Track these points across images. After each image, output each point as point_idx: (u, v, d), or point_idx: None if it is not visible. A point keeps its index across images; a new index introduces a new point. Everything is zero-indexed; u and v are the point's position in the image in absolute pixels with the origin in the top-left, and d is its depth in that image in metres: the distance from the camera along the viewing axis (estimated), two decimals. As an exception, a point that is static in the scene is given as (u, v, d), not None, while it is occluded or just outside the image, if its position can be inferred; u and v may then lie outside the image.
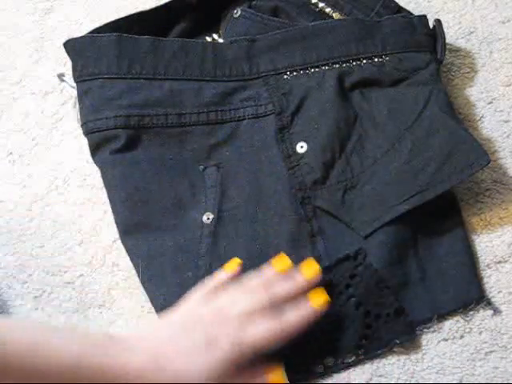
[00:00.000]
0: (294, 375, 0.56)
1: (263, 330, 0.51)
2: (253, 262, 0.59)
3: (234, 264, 0.57)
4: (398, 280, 0.58)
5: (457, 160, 0.59)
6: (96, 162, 0.64)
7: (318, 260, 0.59)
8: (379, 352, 0.57)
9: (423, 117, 0.62)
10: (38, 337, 0.48)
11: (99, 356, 0.48)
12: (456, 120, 0.62)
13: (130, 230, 0.61)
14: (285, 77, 0.64)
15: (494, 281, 0.60)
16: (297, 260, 0.57)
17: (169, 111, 0.63)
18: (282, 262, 0.56)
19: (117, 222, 0.62)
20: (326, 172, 0.62)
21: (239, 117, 0.64)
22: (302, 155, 0.63)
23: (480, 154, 0.59)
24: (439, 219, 0.60)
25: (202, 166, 0.63)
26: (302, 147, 0.63)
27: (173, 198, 0.62)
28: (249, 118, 0.64)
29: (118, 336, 0.51)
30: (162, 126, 0.63)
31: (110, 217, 0.64)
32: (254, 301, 0.53)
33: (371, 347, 0.57)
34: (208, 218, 0.61)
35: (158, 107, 0.63)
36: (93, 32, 0.66)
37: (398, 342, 0.56)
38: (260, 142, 0.63)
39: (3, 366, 0.45)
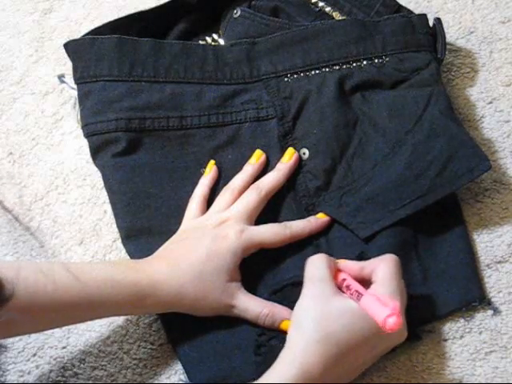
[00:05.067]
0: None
1: (265, 227, 0.59)
2: (256, 266, 0.59)
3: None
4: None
5: (457, 165, 0.59)
6: (97, 165, 0.64)
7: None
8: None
9: (423, 120, 0.62)
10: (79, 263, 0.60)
11: (130, 272, 0.54)
12: (457, 123, 0.62)
13: (132, 234, 0.61)
14: (285, 79, 0.64)
15: (494, 281, 0.60)
16: (301, 262, 0.57)
17: (170, 114, 0.63)
18: (256, 155, 0.62)
19: (118, 227, 0.62)
20: (328, 178, 0.62)
21: (240, 119, 0.64)
22: (305, 162, 0.63)
23: (481, 159, 0.59)
24: (440, 219, 0.60)
25: (203, 169, 0.63)
26: (304, 154, 0.63)
27: (175, 202, 0.62)
28: (250, 121, 0.64)
29: (142, 260, 0.58)
30: (163, 129, 0.63)
31: (110, 217, 0.64)
32: (247, 200, 0.60)
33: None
34: (210, 222, 0.61)
35: (159, 110, 0.63)
36: (92, 32, 0.66)
37: (400, 344, 0.56)
38: (263, 147, 0.63)
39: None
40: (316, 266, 0.54)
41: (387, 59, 0.65)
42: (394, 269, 0.53)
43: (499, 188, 0.63)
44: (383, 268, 0.53)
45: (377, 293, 0.51)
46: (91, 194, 0.66)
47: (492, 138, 0.66)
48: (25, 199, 0.66)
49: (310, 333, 0.50)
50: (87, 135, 0.63)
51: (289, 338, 0.52)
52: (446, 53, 0.66)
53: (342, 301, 0.52)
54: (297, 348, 0.51)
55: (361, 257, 0.58)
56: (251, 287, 0.58)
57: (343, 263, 0.56)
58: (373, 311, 0.50)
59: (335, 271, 0.55)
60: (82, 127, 0.63)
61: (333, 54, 0.64)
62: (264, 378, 0.50)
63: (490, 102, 0.67)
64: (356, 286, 0.53)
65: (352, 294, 0.52)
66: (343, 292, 0.53)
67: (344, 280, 0.54)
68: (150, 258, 0.58)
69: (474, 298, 0.58)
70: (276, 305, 0.57)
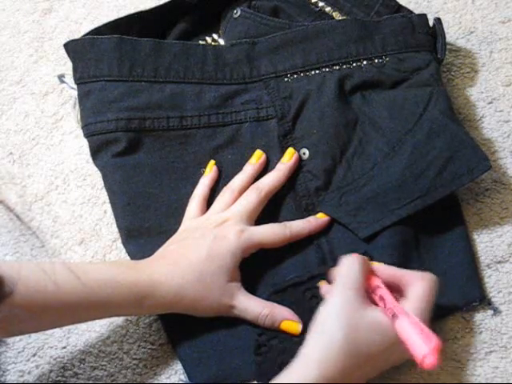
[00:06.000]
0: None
1: (265, 227, 0.59)
2: (256, 266, 0.59)
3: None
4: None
5: (457, 165, 0.59)
6: (97, 165, 0.64)
7: (323, 262, 0.59)
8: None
9: (423, 120, 0.62)
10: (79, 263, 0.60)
11: (130, 273, 0.55)
12: (457, 123, 0.62)
13: (132, 234, 0.61)
14: (285, 79, 0.64)
15: (494, 281, 0.60)
16: (301, 262, 0.57)
17: (170, 114, 0.63)
18: (256, 155, 0.63)
19: (119, 227, 0.62)
20: (327, 178, 0.62)
21: (240, 119, 0.64)
22: (305, 162, 0.63)
23: (481, 159, 0.59)
24: (440, 219, 0.60)
25: (203, 170, 0.63)
26: (304, 154, 0.63)
27: (175, 202, 0.62)
28: (250, 121, 0.64)
29: (142, 260, 0.58)
30: (163, 129, 0.63)
31: (110, 217, 0.64)
32: (246, 200, 0.60)
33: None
34: (211, 222, 0.61)
35: (159, 110, 0.63)
36: (92, 32, 0.66)
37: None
38: (263, 147, 0.63)
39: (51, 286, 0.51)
40: (350, 269, 0.52)
41: (387, 59, 0.65)
42: (432, 291, 0.51)
43: (499, 188, 0.63)
44: (422, 287, 0.51)
45: (410, 311, 0.50)
46: (91, 194, 0.66)
47: (492, 138, 0.66)
48: (25, 199, 0.66)
49: (336, 342, 0.49)
50: (87, 135, 0.63)
51: (309, 341, 0.51)
52: (446, 53, 0.66)
53: (373, 313, 0.50)
54: (319, 354, 0.49)
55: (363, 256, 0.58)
56: (251, 287, 0.58)
57: (378, 266, 0.55)
58: (411, 341, 0.47)
59: (368, 274, 0.53)
60: (82, 127, 0.63)
61: (333, 54, 0.64)
62: (282, 379, 0.49)
63: (490, 102, 0.67)
64: (391, 301, 0.51)
65: (386, 309, 0.50)
66: (373, 298, 0.52)
67: (377, 288, 0.52)
68: (150, 258, 0.58)
69: (474, 297, 0.58)
70: (276, 305, 0.57)
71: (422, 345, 0.46)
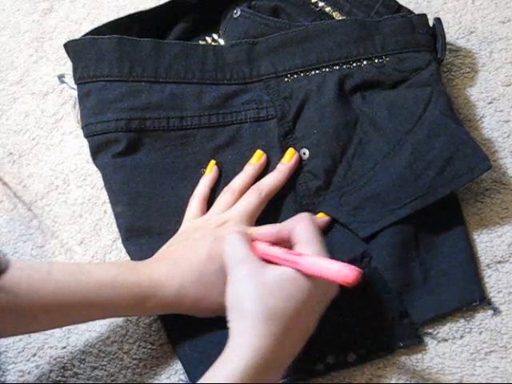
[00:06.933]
0: (295, 373, 0.56)
1: (265, 227, 0.57)
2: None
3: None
4: (401, 282, 0.58)
5: (457, 164, 0.59)
6: (97, 165, 0.64)
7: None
8: (381, 353, 0.57)
9: (423, 120, 0.62)
10: (80, 263, 0.60)
11: (131, 273, 0.54)
12: (457, 123, 0.62)
13: (132, 234, 0.61)
14: (285, 79, 0.64)
15: (494, 281, 0.60)
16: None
17: (170, 114, 0.63)
18: (257, 156, 0.63)
19: (119, 227, 0.62)
20: (328, 178, 0.62)
21: (241, 120, 0.64)
22: (305, 162, 0.63)
23: (481, 158, 0.59)
24: (440, 219, 0.60)
25: (204, 170, 0.63)
26: (304, 154, 0.63)
27: (175, 202, 0.62)
28: (250, 121, 0.64)
29: (143, 261, 0.58)
30: (164, 129, 0.63)
31: (110, 217, 0.64)
32: (247, 201, 0.60)
33: (374, 348, 0.57)
34: (211, 223, 0.61)
35: (159, 110, 0.63)
36: (92, 32, 0.66)
37: (401, 344, 0.56)
38: (263, 147, 0.63)
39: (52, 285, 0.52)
40: (234, 246, 0.53)
41: (387, 59, 0.65)
42: (314, 227, 0.52)
43: (499, 188, 0.63)
44: (304, 227, 0.52)
45: (305, 252, 0.50)
46: (91, 194, 0.66)
47: (492, 138, 0.66)
48: (25, 199, 0.66)
49: (253, 315, 0.48)
50: (87, 135, 0.63)
51: (232, 327, 0.50)
52: (446, 53, 0.66)
53: (274, 271, 0.50)
54: (246, 335, 0.48)
55: (363, 255, 0.58)
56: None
57: (258, 232, 0.55)
58: (321, 267, 0.47)
59: (252, 243, 0.53)
60: (82, 127, 0.63)
61: (333, 54, 0.64)
62: (218, 372, 0.48)
63: (490, 102, 0.67)
64: (280, 253, 0.51)
65: (284, 261, 0.50)
66: (272, 261, 0.51)
67: (266, 250, 0.52)
68: (150, 259, 0.58)
69: (474, 297, 0.58)
70: None
71: (333, 264, 0.47)
